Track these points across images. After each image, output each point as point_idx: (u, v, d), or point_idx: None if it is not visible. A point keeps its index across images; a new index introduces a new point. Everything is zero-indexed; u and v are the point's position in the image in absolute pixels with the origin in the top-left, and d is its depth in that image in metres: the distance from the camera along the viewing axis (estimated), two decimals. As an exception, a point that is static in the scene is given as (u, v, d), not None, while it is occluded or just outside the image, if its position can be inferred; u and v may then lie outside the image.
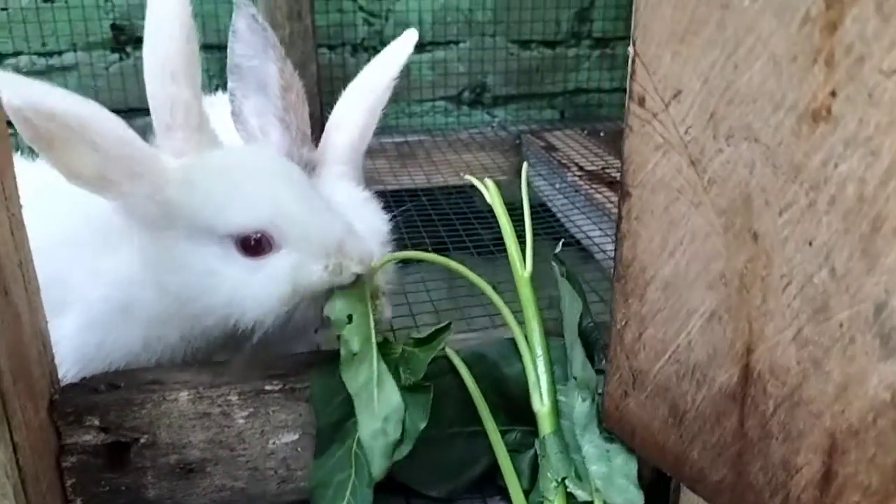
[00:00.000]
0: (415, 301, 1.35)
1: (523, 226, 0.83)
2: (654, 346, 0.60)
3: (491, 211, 0.87)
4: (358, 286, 0.74)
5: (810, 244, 0.47)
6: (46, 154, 0.69)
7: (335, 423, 0.71)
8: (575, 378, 0.75)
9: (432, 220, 1.71)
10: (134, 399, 0.73)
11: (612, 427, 0.68)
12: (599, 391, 0.71)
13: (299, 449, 0.76)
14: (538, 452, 0.73)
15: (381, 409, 0.70)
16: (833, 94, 0.43)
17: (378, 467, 0.68)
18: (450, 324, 0.75)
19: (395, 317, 1.25)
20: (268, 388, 0.75)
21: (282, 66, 0.93)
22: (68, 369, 0.79)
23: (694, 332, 0.56)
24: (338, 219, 0.77)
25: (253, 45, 0.92)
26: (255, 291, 0.73)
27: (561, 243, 0.84)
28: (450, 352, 0.77)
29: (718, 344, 0.55)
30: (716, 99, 0.51)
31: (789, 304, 0.49)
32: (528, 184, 0.87)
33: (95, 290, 0.80)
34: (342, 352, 0.71)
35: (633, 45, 0.56)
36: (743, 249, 0.51)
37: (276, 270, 0.73)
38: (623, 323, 0.62)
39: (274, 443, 0.76)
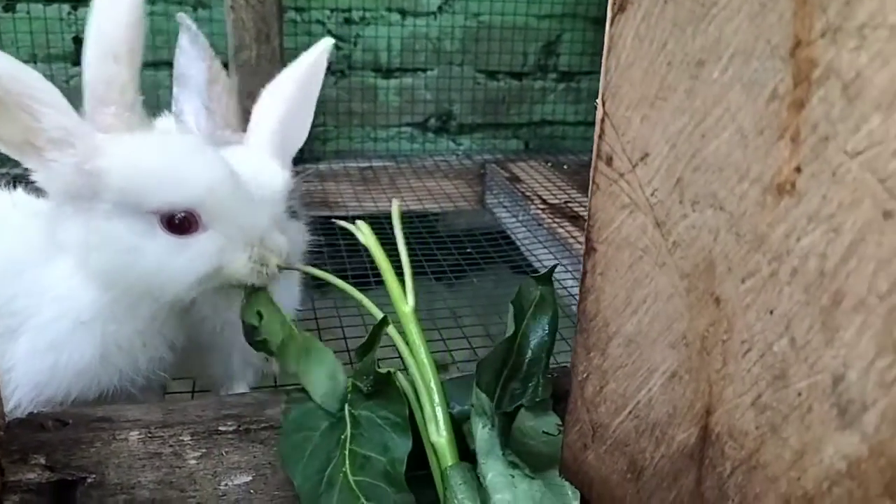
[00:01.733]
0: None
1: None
2: (615, 401, 0.60)
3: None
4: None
5: (771, 313, 0.48)
6: None
7: (316, 472, 0.69)
8: (472, 406, 0.74)
9: (394, 245, 1.70)
10: (82, 437, 0.71)
11: (570, 478, 0.68)
12: (513, 407, 0.71)
13: (252, 491, 0.74)
14: (443, 485, 0.72)
15: (321, 370, 0.76)
16: (798, 169, 0.44)
17: (335, 406, 0.74)
18: (385, 317, 0.75)
19: (352, 338, 1.25)
20: (221, 428, 0.73)
21: (209, 63, 1.01)
22: (23, 395, 0.78)
23: (655, 390, 0.57)
24: (265, 211, 0.80)
25: (192, 54, 1.00)
26: (177, 267, 0.75)
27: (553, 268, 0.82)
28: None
29: (678, 403, 0.55)
30: (683, 164, 0.51)
31: (749, 370, 0.50)
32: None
33: (45, 310, 0.78)
34: (273, 348, 0.77)
35: (603, 104, 0.57)
36: (705, 313, 0.52)
37: (200, 250, 0.75)
38: (584, 375, 0.63)
39: (226, 484, 0.74)
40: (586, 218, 0.59)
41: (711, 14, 0.48)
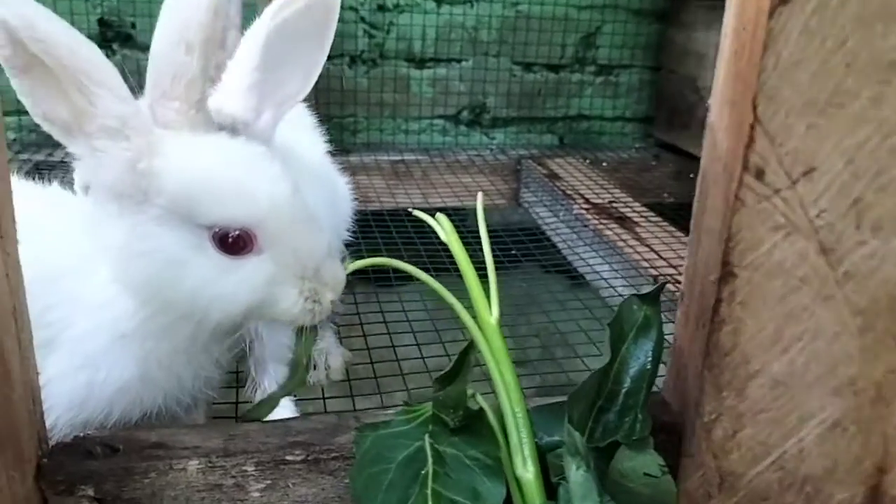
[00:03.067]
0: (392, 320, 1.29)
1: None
2: (753, 449, 0.53)
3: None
4: None
5: (979, 363, 0.40)
6: (18, 80, 0.63)
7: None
8: (563, 442, 0.67)
9: (430, 240, 1.64)
10: (135, 467, 0.64)
11: (687, 528, 0.61)
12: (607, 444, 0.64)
13: (319, 526, 0.68)
14: None
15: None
16: None
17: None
18: (472, 343, 0.68)
19: (374, 334, 1.19)
20: (288, 458, 0.66)
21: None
22: (58, 416, 0.70)
23: (808, 440, 0.49)
24: (323, 238, 0.72)
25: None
26: (223, 290, 0.67)
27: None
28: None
29: (840, 457, 0.48)
30: (863, 184, 0.44)
31: (941, 427, 0.42)
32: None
33: (81, 322, 0.71)
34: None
35: (754, 109, 0.49)
36: (883, 357, 0.44)
37: (251, 275, 0.68)
38: (713, 416, 0.55)
39: (291, 519, 0.67)
40: (726, 239, 0.52)
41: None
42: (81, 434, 0.68)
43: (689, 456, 0.58)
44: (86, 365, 0.71)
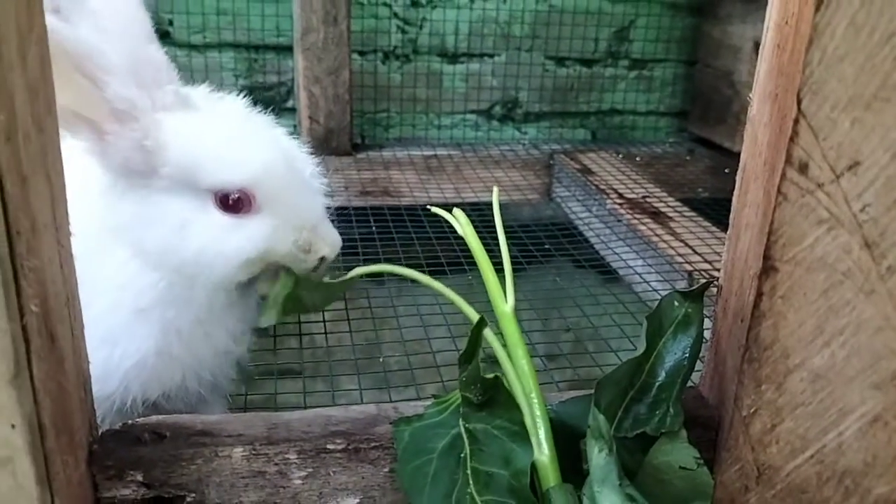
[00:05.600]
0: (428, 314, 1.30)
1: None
2: (791, 442, 0.53)
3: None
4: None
5: None
6: None
7: (443, 498, 0.64)
8: (588, 426, 0.68)
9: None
10: (182, 453, 0.66)
11: (724, 521, 0.61)
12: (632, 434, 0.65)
13: (359, 514, 0.69)
14: None
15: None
16: None
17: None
18: (483, 318, 0.69)
19: (407, 328, 1.20)
20: (329, 446, 0.68)
21: None
22: None
23: (848, 434, 0.49)
24: (318, 200, 0.79)
25: None
26: (227, 247, 0.73)
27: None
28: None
29: (880, 452, 0.48)
30: (909, 177, 0.44)
31: None
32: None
33: (99, 301, 0.74)
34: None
35: (798, 103, 0.49)
36: (928, 351, 0.44)
37: (252, 231, 0.73)
38: (752, 410, 0.55)
39: (331, 507, 0.69)
40: (768, 233, 0.52)
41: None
42: (130, 421, 0.70)
43: (726, 449, 0.58)
44: (105, 341, 0.75)
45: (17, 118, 0.48)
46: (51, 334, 0.56)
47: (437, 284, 0.76)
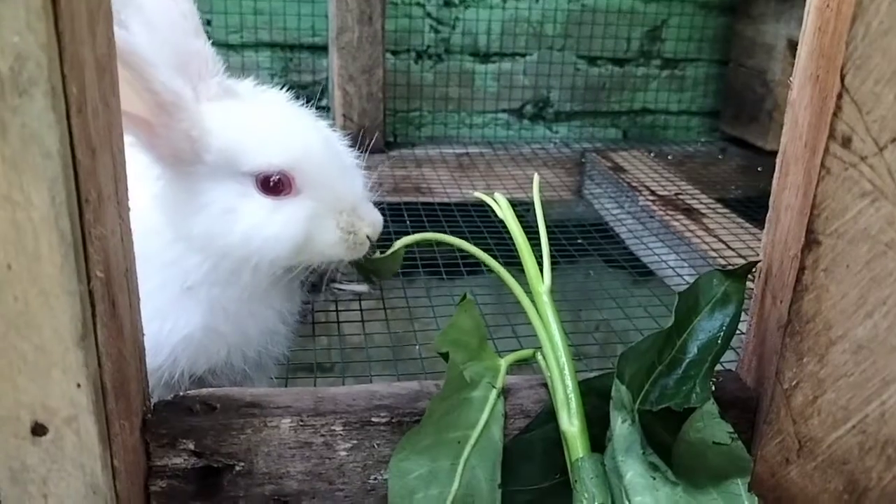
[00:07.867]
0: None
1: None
2: (833, 413, 0.54)
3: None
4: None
5: None
6: None
7: None
8: (611, 398, 0.69)
9: (498, 230, 1.66)
10: (233, 423, 0.68)
11: (764, 494, 0.62)
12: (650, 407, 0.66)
13: (401, 487, 0.70)
14: (570, 477, 0.67)
15: None
16: None
17: None
18: (465, 295, 0.75)
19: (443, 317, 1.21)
20: (374, 419, 0.69)
21: None
22: None
23: (890, 404, 0.50)
24: (357, 180, 0.81)
25: None
26: (271, 230, 0.75)
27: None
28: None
29: (923, 420, 0.48)
30: (953, 146, 0.45)
31: None
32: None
33: (152, 278, 0.77)
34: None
35: (842, 78, 0.50)
36: (971, 318, 0.45)
37: (292, 212, 0.75)
38: (793, 383, 0.56)
39: (375, 479, 0.70)
40: (811, 207, 0.53)
41: None
42: (181, 393, 0.72)
43: (767, 423, 0.59)
44: (155, 316, 0.77)
45: (86, 92, 0.51)
46: (112, 301, 0.58)
47: (483, 255, 0.80)
